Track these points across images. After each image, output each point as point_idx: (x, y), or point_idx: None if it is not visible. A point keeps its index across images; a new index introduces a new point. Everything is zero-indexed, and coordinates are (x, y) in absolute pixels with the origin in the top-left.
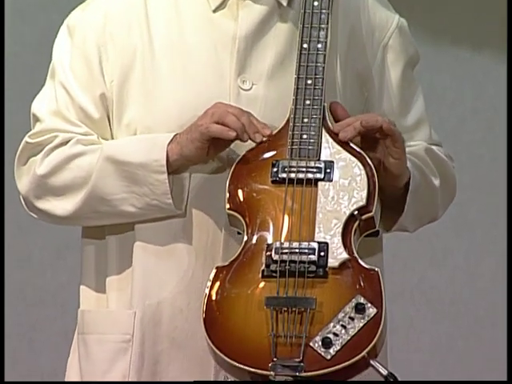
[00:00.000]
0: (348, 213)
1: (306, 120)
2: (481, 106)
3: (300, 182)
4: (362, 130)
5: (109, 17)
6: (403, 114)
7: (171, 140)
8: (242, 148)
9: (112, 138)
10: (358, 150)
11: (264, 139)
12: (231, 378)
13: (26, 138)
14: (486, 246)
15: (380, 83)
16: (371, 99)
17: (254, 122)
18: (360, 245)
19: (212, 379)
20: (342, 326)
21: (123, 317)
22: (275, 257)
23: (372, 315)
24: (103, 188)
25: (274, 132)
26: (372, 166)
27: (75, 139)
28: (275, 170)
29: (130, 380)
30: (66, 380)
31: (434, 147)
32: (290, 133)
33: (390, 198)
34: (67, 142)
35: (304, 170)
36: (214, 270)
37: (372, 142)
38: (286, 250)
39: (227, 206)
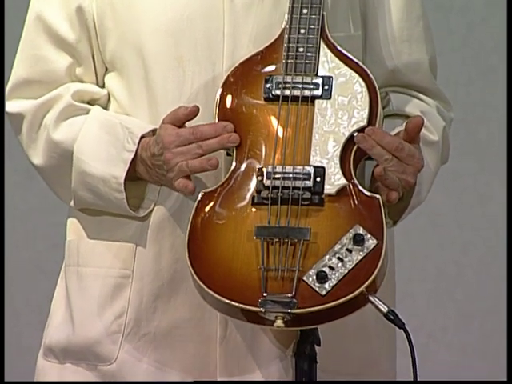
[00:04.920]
0: (347, 134)
1: (302, 31)
2: (491, 14)
3: (295, 99)
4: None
5: None
6: (413, 18)
7: (136, 153)
8: None
9: (94, 64)
10: (359, 64)
11: (231, 130)
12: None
13: (6, 107)
14: (496, 167)
15: None
16: None
17: (212, 133)
18: (360, 170)
19: (217, 314)
20: (339, 258)
21: (123, 250)
22: (267, 182)
23: (372, 247)
24: (81, 196)
25: (267, 44)
26: (374, 83)
27: (56, 115)
28: (268, 86)
29: (127, 317)
30: (52, 316)
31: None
32: (285, 45)
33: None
34: (48, 110)
35: (300, 86)
36: (200, 196)
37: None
38: (279, 175)
39: None
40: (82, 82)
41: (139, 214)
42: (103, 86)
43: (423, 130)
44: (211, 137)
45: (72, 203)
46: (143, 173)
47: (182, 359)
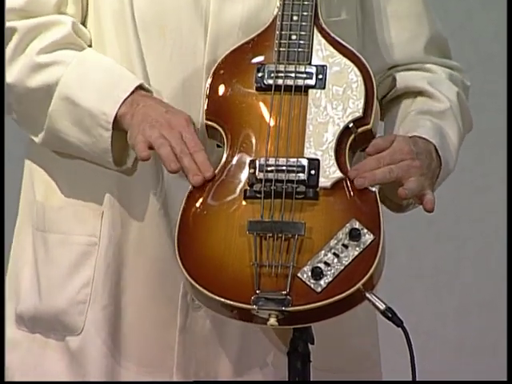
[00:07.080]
0: (342, 125)
1: (295, 18)
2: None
3: (288, 89)
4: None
5: None
6: None
7: (128, 97)
8: None
9: (81, 6)
10: (354, 52)
11: (207, 178)
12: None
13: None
14: (494, 158)
15: None
16: None
17: (199, 161)
18: (355, 162)
19: (180, 287)
20: (335, 254)
21: (90, 216)
22: (259, 175)
23: (368, 242)
24: (56, 124)
25: (259, 32)
26: (370, 71)
27: (49, 42)
28: (260, 75)
29: (93, 287)
30: (20, 282)
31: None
32: (278, 33)
33: None
34: (39, 33)
35: (293, 75)
36: (190, 188)
37: None
38: (272, 168)
39: (205, 116)
40: None
41: (116, 166)
42: None
43: (431, 101)
44: (194, 159)
45: (40, 135)
46: (124, 109)
47: (139, 340)
